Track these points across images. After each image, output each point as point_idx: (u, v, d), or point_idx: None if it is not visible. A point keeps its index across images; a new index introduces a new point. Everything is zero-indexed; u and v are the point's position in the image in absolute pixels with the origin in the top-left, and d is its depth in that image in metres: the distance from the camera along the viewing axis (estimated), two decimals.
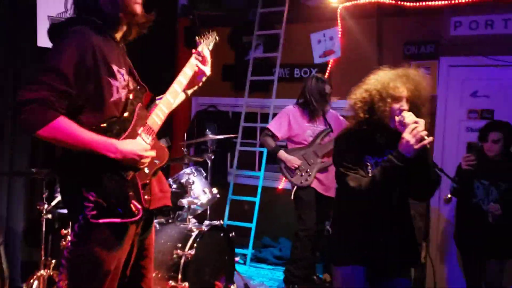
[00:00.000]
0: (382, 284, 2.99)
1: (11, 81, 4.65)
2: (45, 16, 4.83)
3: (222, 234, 4.56)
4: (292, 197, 5.17)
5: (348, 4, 6.06)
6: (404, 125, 2.73)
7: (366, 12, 5.98)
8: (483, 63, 5.33)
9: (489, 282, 4.38)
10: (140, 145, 2.39)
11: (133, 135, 2.42)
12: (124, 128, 2.40)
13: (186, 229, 4.38)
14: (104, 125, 2.33)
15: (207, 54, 2.86)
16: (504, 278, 4.43)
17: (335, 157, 3.05)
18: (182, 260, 4.14)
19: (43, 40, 4.65)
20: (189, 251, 4.14)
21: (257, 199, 6.46)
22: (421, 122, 2.71)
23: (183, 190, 4.64)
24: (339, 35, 6.26)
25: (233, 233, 4.62)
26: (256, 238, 6.44)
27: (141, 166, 2.41)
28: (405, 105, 2.82)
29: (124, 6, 2.42)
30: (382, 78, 2.89)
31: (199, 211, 4.93)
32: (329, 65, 6.33)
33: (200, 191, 4.74)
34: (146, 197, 2.44)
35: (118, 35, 2.52)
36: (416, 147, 2.67)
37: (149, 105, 2.63)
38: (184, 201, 4.55)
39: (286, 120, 5.18)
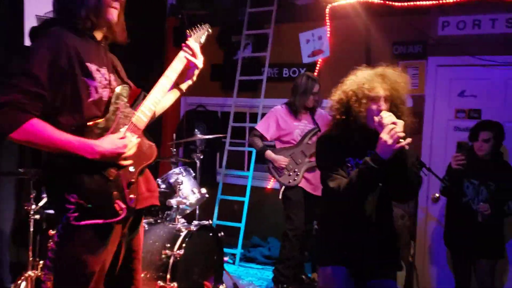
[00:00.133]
0: (366, 285, 2.94)
1: None
2: (33, 15, 4.80)
3: (211, 234, 4.55)
4: (280, 197, 5.17)
5: (336, 4, 6.07)
6: (382, 125, 2.70)
7: (354, 11, 5.99)
8: (470, 62, 5.34)
9: (480, 282, 4.38)
10: (118, 142, 2.33)
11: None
12: (107, 128, 2.36)
13: (175, 229, 4.37)
14: (85, 125, 2.31)
15: (195, 47, 2.79)
16: (496, 278, 4.45)
17: (317, 158, 3.06)
18: (171, 260, 4.13)
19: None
20: (178, 251, 4.14)
21: (246, 199, 6.46)
22: (400, 123, 2.68)
23: (172, 190, 4.64)
24: (328, 35, 6.27)
25: (222, 233, 4.62)
26: (245, 238, 6.44)
27: (124, 163, 2.37)
28: (383, 105, 2.80)
29: (97, 11, 2.38)
30: (358, 79, 2.87)
31: (188, 211, 4.92)
32: (318, 65, 6.34)
33: (188, 191, 4.74)
34: (131, 196, 2.40)
35: (99, 35, 2.48)
36: (394, 147, 2.64)
37: (136, 101, 2.59)
38: (173, 201, 4.55)
39: (274, 120, 5.18)
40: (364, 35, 6.03)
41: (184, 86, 2.86)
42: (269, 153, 5.16)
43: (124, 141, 2.35)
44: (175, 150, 5.15)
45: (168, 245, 4.21)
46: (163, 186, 4.67)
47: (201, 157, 5.23)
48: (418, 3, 5.52)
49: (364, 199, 2.88)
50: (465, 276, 4.48)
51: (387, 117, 2.71)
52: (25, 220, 4.25)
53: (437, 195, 4.94)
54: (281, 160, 5.08)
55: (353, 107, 2.81)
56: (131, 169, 2.43)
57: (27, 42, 4.67)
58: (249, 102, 6.95)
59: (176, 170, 4.81)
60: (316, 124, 5.17)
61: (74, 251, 2.32)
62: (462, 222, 4.40)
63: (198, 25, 2.94)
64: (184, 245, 4.19)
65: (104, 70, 2.44)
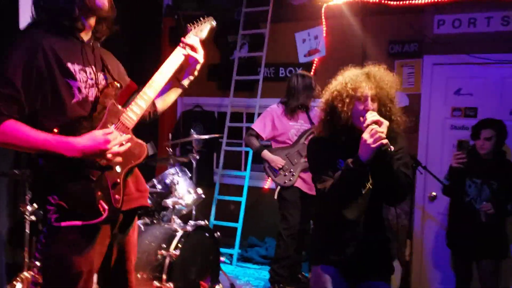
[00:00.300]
0: (358, 286, 2.90)
1: None
2: (28, 17, 4.78)
3: (207, 234, 4.55)
4: (275, 197, 5.17)
5: (332, 3, 6.07)
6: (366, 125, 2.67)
7: (350, 11, 5.99)
8: (466, 61, 5.35)
9: (483, 283, 4.33)
10: (100, 138, 2.23)
11: None
12: (92, 127, 2.30)
13: (170, 229, 4.37)
14: (70, 126, 2.27)
15: (195, 41, 2.71)
16: (502, 278, 4.40)
17: (308, 160, 3.04)
18: (167, 261, 4.12)
19: None
20: (174, 251, 4.13)
21: (243, 199, 6.45)
22: (385, 123, 2.64)
23: (168, 190, 4.64)
24: (324, 34, 6.27)
25: (218, 233, 4.61)
26: (243, 238, 6.44)
27: (108, 159, 2.28)
28: (370, 105, 2.74)
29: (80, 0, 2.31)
30: (343, 78, 2.84)
31: (184, 212, 4.91)
32: (314, 64, 6.34)
33: (184, 191, 4.73)
34: (116, 196, 2.33)
35: (84, 33, 2.43)
36: (372, 146, 2.58)
37: (130, 98, 2.51)
38: (169, 201, 4.54)
39: (270, 119, 5.18)
40: (360, 34, 6.03)
41: (186, 82, 2.81)
42: (266, 153, 5.15)
43: (106, 137, 2.25)
44: (171, 150, 5.14)
45: (164, 245, 4.20)
46: (159, 186, 4.66)
47: (198, 157, 5.22)
48: (413, 1, 5.53)
49: (353, 200, 2.81)
50: (467, 277, 4.44)
51: (370, 117, 2.66)
52: (21, 221, 4.24)
53: (434, 193, 4.93)
54: (278, 161, 5.07)
55: (338, 107, 2.77)
56: (118, 169, 2.37)
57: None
58: (245, 102, 6.94)
59: (172, 170, 4.80)
60: (312, 124, 5.16)
61: (58, 252, 2.31)
62: (464, 222, 4.34)
63: (201, 18, 2.86)
64: (180, 245, 4.19)
65: (89, 69, 2.40)
